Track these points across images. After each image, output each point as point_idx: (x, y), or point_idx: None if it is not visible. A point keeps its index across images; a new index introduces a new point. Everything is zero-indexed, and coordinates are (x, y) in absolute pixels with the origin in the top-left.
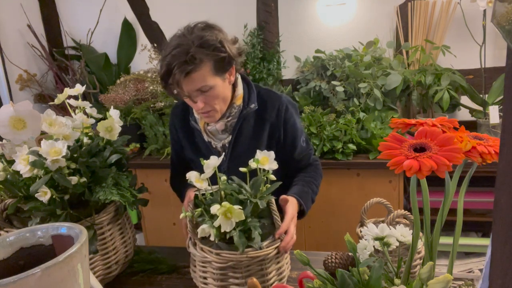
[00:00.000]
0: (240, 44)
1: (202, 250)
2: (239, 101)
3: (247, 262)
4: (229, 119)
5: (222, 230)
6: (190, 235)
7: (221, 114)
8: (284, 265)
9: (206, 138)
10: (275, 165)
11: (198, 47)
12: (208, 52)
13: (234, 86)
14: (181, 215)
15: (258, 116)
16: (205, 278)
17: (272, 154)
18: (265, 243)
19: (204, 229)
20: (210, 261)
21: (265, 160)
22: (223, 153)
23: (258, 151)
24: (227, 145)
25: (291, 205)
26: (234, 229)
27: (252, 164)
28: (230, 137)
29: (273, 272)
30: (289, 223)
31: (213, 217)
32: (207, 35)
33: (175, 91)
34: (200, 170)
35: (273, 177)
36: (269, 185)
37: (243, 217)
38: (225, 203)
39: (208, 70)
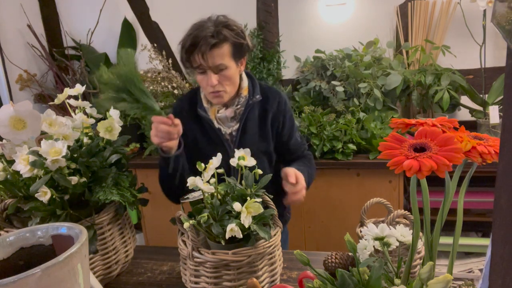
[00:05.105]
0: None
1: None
2: (245, 92)
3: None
4: (238, 106)
5: (246, 226)
6: (193, 245)
7: (229, 97)
8: (277, 261)
9: (216, 125)
10: (253, 161)
11: (223, 27)
12: (232, 34)
13: (240, 79)
14: (185, 225)
15: (262, 107)
16: (216, 284)
17: (248, 150)
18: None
19: (233, 228)
20: (227, 263)
21: (244, 157)
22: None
23: (236, 150)
24: (234, 133)
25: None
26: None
27: (233, 161)
28: (238, 124)
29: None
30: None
31: (236, 216)
32: (231, 21)
33: (193, 65)
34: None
35: (260, 171)
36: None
37: (261, 210)
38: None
39: (228, 51)
